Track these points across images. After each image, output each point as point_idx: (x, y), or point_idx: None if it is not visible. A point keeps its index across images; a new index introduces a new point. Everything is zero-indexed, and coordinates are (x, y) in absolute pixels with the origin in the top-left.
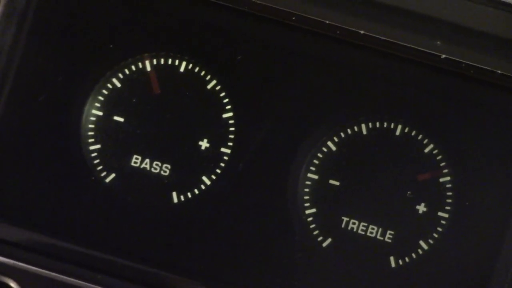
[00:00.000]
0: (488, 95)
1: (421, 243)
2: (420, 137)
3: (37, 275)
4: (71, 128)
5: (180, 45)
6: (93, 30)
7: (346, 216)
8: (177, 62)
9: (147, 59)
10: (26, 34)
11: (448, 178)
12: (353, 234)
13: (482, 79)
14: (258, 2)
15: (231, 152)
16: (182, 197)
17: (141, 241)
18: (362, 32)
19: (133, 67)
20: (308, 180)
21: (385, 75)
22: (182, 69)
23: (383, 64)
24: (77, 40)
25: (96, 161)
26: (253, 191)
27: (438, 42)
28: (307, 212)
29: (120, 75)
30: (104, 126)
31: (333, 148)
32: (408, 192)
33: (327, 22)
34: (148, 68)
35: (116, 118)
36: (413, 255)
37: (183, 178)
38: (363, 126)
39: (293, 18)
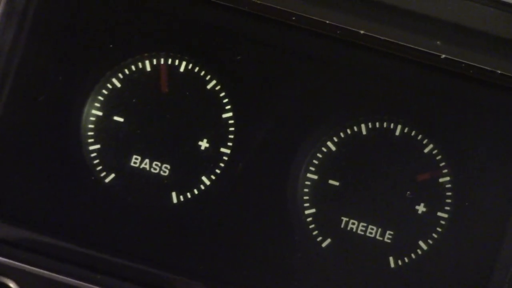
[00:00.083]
0: (488, 95)
1: (421, 243)
2: (419, 137)
3: (36, 275)
4: (71, 128)
5: (180, 45)
6: (93, 30)
7: (346, 216)
8: (177, 62)
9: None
10: (26, 34)
11: (447, 178)
12: (353, 234)
13: (482, 79)
14: (258, 2)
15: (230, 152)
16: (181, 197)
17: (140, 241)
18: (362, 32)
19: (133, 67)
20: (308, 180)
21: (385, 75)
22: (182, 69)
23: (383, 64)
24: (77, 40)
25: (96, 161)
26: (252, 191)
27: (438, 42)
28: (307, 212)
29: (120, 75)
30: (104, 126)
31: (333, 148)
32: (408, 192)
33: (327, 22)
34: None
35: (116, 118)
36: (413, 255)
37: (182, 178)
38: (362, 126)
39: (293, 18)
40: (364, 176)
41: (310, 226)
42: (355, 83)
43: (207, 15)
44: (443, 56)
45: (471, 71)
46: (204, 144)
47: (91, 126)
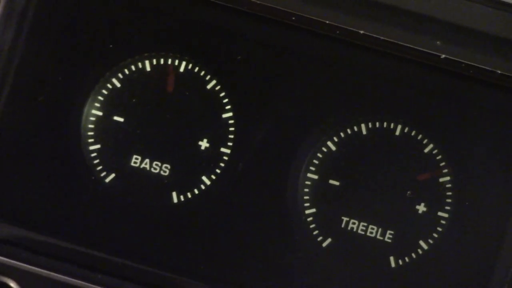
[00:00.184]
0: (488, 95)
1: (421, 243)
2: (419, 137)
3: (36, 275)
4: (71, 128)
5: (180, 45)
6: (92, 30)
7: (346, 216)
8: (177, 62)
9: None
10: (26, 34)
11: (447, 178)
12: (353, 234)
13: (481, 79)
14: (258, 2)
15: (231, 152)
16: (182, 197)
17: (140, 241)
18: (361, 32)
19: (133, 67)
20: (308, 180)
21: (385, 75)
22: (182, 69)
23: (382, 64)
24: (77, 40)
25: (96, 161)
26: (253, 191)
27: (437, 42)
28: (307, 212)
29: (120, 75)
30: (104, 126)
31: (333, 148)
32: (408, 192)
33: (327, 22)
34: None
35: (116, 118)
36: (413, 255)
37: (183, 178)
38: (362, 126)
39: (293, 18)
40: (364, 176)
41: (311, 226)
42: (355, 83)
43: (207, 15)
44: (443, 56)
45: (471, 71)
46: (204, 144)
47: (91, 126)
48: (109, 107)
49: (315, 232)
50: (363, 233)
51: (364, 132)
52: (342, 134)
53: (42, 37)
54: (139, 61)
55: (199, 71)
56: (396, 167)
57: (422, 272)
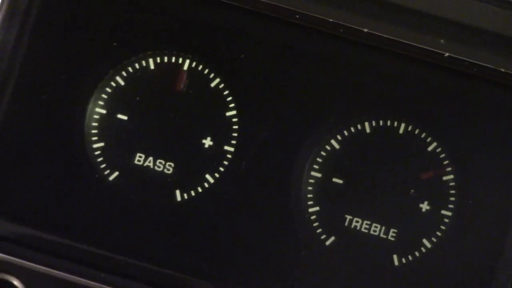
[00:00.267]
0: (491, 93)
1: (424, 241)
2: (423, 135)
3: (40, 273)
4: (75, 126)
5: (183, 44)
6: (96, 29)
7: (350, 214)
8: (180, 60)
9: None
10: (29, 32)
11: (451, 177)
12: (357, 232)
13: (485, 77)
14: (262, 0)
15: (234, 150)
16: (185, 195)
17: (144, 239)
18: (365, 30)
19: (137, 66)
20: (312, 178)
21: (388, 73)
22: (185, 67)
23: (386, 62)
24: (81, 38)
25: (100, 159)
26: (256, 189)
27: (441, 40)
28: (310, 210)
29: (124, 74)
30: (107, 124)
31: (337, 146)
32: (412, 191)
33: (331, 20)
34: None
35: (119, 116)
36: (416, 253)
37: (186, 176)
38: (366, 124)
39: (297, 16)
40: (368, 174)
41: (314, 224)
42: (358, 82)
43: (211, 14)
44: (447, 54)
45: (474, 69)
46: (208, 142)
47: (95, 124)
48: (112, 105)
49: (319, 230)
50: (366, 231)
51: (367, 130)
52: (345, 133)
53: (46, 36)
54: (143, 59)
55: (203, 69)
56: (400, 165)
57: (426, 271)
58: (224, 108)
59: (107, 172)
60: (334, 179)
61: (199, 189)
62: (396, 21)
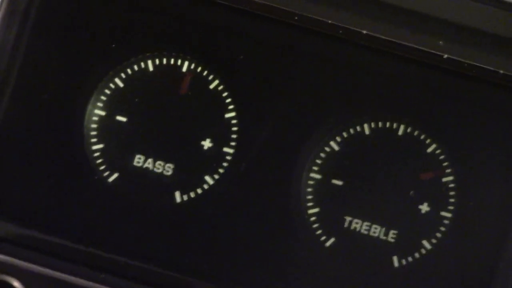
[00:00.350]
0: (491, 95)
1: (424, 242)
2: (422, 136)
3: (40, 274)
4: (74, 127)
5: (182, 45)
6: (95, 30)
7: (349, 216)
8: (179, 62)
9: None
10: (29, 32)
11: (451, 178)
12: (356, 233)
13: (484, 79)
14: (261, 1)
15: (234, 152)
16: (185, 197)
17: (144, 240)
18: (364, 32)
19: (136, 67)
20: (311, 180)
21: (387, 75)
22: (184, 69)
23: (385, 64)
24: (80, 39)
25: (99, 161)
26: (256, 191)
27: (440, 42)
28: (310, 211)
29: (123, 75)
30: (106, 125)
31: (336, 148)
32: (411, 192)
33: (330, 21)
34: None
35: (118, 118)
36: (416, 255)
37: (186, 178)
38: (365, 126)
39: (296, 17)
40: (367, 176)
41: (314, 226)
42: (357, 83)
43: (210, 15)
44: (446, 56)
45: (473, 71)
46: (207, 143)
47: (94, 125)
48: (112, 107)
49: (318, 232)
50: (366, 232)
51: (367, 132)
52: (345, 134)
53: (45, 36)
54: (142, 61)
55: (202, 70)
56: (399, 166)
57: (425, 272)
58: (224, 110)
59: (106, 173)
60: (334, 181)
61: (199, 191)
62: (395, 23)
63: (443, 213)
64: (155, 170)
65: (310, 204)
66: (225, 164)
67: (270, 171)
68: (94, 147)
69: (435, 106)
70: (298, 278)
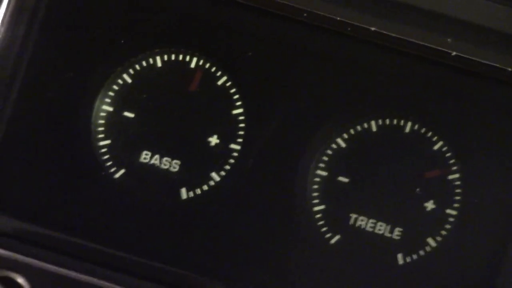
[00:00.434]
0: (498, 92)
1: (429, 240)
2: (429, 134)
3: (45, 271)
4: (81, 123)
5: (191, 41)
6: (103, 26)
7: (355, 213)
8: (188, 58)
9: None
10: (37, 30)
11: (456, 176)
12: (361, 231)
13: (492, 76)
14: None
15: (240, 148)
16: (191, 193)
17: (149, 237)
18: (372, 29)
19: (144, 63)
20: (317, 177)
21: (395, 72)
22: (193, 65)
23: (392, 61)
24: (88, 36)
25: (106, 157)
26: (262, 187)
27: (448, 40)
28: (316, 208)
29: (131, 71)
30: (114, 121)
31: (342, 145)
32: (417, 189)
33: (338, 19)
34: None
35: (126, 114)
36: (421, 252)
37: (192, 174)
38: (372, 123)
39: (304, 14)
40: (373, 173)
41: (319, 223)
42: (365, 80)
43: (218, 12)
44: (454, 53)
45: (481, 69)
46: (214, 140)
47: (101, 121)
48: (119, 103)
49: (324, 229)
50: (371, 230)
51: (373, 129)
52: (351, 131)
53: (53, 33)
54: (150, 57)
55: (210, 67)
56: (405, 164)
57: (430, 270)
58: (231, 106)
59: (113, 169)
60: (340, 178)
61: (205, 187)
62: (403, 20)
63: (449, 211)
64: (162, 166)
65: (315, 201)
66: (231, 160)
67: (276, 168)
68: (101, 143)
69: (442, 104)
70: (303, 275)
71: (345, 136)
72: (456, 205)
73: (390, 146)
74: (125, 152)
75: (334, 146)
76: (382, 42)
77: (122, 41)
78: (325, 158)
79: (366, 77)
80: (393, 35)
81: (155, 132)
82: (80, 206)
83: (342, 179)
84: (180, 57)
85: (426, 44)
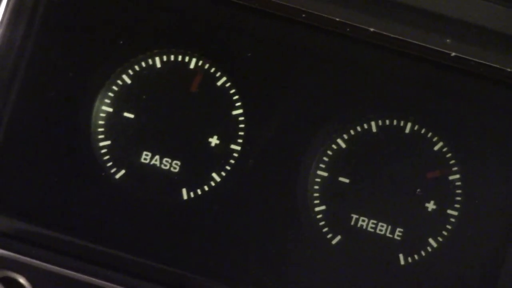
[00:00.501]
0: (497, 93)
1: (430, 240)
2: (429, 135)
3: (46, 271)
4: (81, 124)
5: (190, 42)
6: (103, 27)
7: (356, 214)
8: (187, 59)
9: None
10: (36, 30)
11: (457, 176)
12: (363, 231)
13: (491, 77)
14: None
15: (240, 149)
16: (191, 194)
17: (150, 237)
18: (372, 29)
19: (143, 64)
20: (318, 177)
21: (395, 73)
22: (192, 66)
23: (392, 62)
24: (87, 36)
25: (106, 157)
26: (262, 188)
27: (447, 40)
28: (317, 209)
29: (130, 72)
30: (114, 122)
31: (343, 145)
32: (418, 190)
33: (337, 19)
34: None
35: (126, 114)
36: (422, 253)
37: (193, 175)
38: (372, 123)
39: (304, 15)
40: (374, 174)
41: (320, 223)
42: (365, 81)
43: (217, 13)
44: (453, 54)
45: (480, 69)
46: (214, 140)
47: (101, 122)
48: (119, 104)
49: (325, 230)
50: (372, 230)
51: (374, 129)
52: (352, 132)
53: (53, 33)
54: (150, 58)
55: (210, 67)
56: (406, 164)
57: (431, 270)
58: (231, 107)
59: (113, 170)
60: (341, 178)
61: (206, 188)
62: (402, 21)
63: (450, 211)
64: (162, 167)
65: (316, 201)
66: (232, 161)
67: (276, 168)
68: (101, 144)
69: (442, 104)
70: (304, 275)
71: (345, 136)
72: (456, 205)
73: (390, 147)
74: (125, 152)
75: (334, 146)
76: (381, 43)
77: (122, 42)
78: (326, 159)
79: (366, 78)
80: (393, 35)
81: (155, 132)
82: (81, 206)
83: (343, 179)
84: (180, 58)
85: (425, 45)
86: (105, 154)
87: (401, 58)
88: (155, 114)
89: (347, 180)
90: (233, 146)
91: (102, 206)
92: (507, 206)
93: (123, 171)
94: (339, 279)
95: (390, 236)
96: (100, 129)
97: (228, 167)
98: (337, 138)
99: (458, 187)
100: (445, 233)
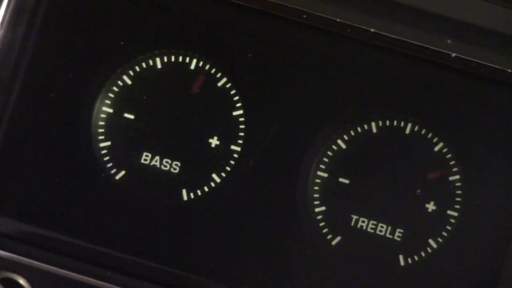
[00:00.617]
0: (498, 93)
1: (430, 241)
2: (429, 135)
3: (46, 272)
4: (82, 125)
5: (191, 43)
6: (103, 27)
7: (356, 214)
8: (187, 59)
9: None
10: (37, 31)
11: (457, 177)
12: (363, 232)
13: (492, 78)
14: (269, 0)
15: (241, 149)
16: (192, 195)
17: (150, 238)
18: (372, 30)
19: (144, 65)
20: (318, 178)
21: (395, 73)
22: (192, 66)
23: (393, 62)
24: (88, 37)
25: (106, 158)
26: (262, 188)
27: (448, 41)
28: (317, 210)
29: (131, 73)
30: (114, 123)
31: (343, 146)
32: (418, 191)
33: (338, 20)
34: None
35: (126, 115)
36: (422, 254)
37: (193, 176)
38: (373, 124)
39: (304, 16)
40: (374, 174)
41: (320, 224)
42: (365, 82)
43: (218, 13)
44: (454, 54)
45: (481, 70)
46: (214, 141)
47: (101, 123)
48: (119, 104)
49: (325, 230)
50: (372, 231)
51: (374, 130)
52: (352, 132)
53: (53, 34)
54: (150, 59)
55: (210, 68)
56: (406, 165)
57: (431, 271)
58: (231, 108)
59: (113, 171)
60: (341, 179)
61: (206, 189)
62: (403, 21)
63: (450, 212)
64: (162, 168)
65: (316, 202)
66: (232, 162)
67: (277, 169)
68: (102, 145)
69: (442, 105)
70: (304, 276)
71: (346, 137)
72: (457, 206)
73: (390, 147)
74: (125, 153)
75: (334, 147)
76: (382, 44)
77: (122, 43)
78: (326, 160)
79: (366, 78)
80: (393, 36)
81: (155, 133)
82: (81, 207)
83: (343, 180)
84: (180, 58)
85: (426, 45)
86: (105, 155)
87: (401, 59)
88: (156, 115)
89: (347, 181)
90: (233, 147)
91: (102, 207)
92: (507, 207)
93: (123, 172)
94: (339, 279)
95: (390, 237)
96: (100, 130)
97: (228, 168)
98: (337, 139)
99: (458, 188)
100: (445, 234)
